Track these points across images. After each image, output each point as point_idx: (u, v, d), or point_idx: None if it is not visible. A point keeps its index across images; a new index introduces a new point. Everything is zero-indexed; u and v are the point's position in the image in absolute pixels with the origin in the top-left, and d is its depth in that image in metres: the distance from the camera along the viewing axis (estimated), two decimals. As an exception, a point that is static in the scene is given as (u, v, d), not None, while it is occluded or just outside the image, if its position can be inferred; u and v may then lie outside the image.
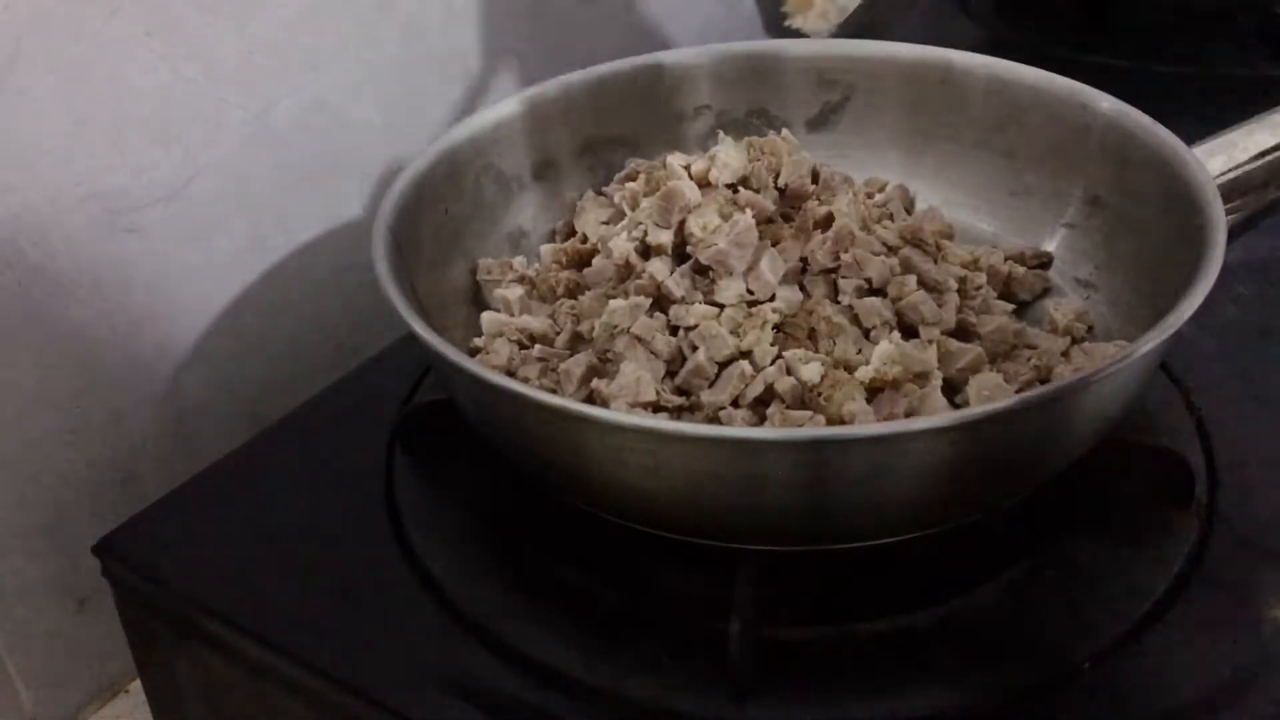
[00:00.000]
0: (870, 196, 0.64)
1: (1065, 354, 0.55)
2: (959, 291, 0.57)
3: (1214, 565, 0.51)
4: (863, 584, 0.52)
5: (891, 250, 0.58)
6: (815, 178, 0.64)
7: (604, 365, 0.55)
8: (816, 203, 0.61)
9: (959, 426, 0.44)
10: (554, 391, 0.54)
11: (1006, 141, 0.65)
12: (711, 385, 0.53)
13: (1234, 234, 0.51)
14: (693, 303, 0.55)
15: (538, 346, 0.57)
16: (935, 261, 0.58)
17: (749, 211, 0.57)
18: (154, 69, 0.61)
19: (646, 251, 0.58)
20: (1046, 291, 0.62)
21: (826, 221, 0.60)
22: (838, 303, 0.56)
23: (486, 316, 0.59)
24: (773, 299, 0.56)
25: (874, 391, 0.51)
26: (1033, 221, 0.64)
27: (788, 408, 0.51)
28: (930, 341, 0.54)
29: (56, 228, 0.59)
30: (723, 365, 0.53)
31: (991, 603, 0.50)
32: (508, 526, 0.56)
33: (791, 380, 0.52)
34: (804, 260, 0.58)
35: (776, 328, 0.54)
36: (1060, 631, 0.48)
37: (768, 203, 0.60)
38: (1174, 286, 0.49)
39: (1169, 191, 0.55)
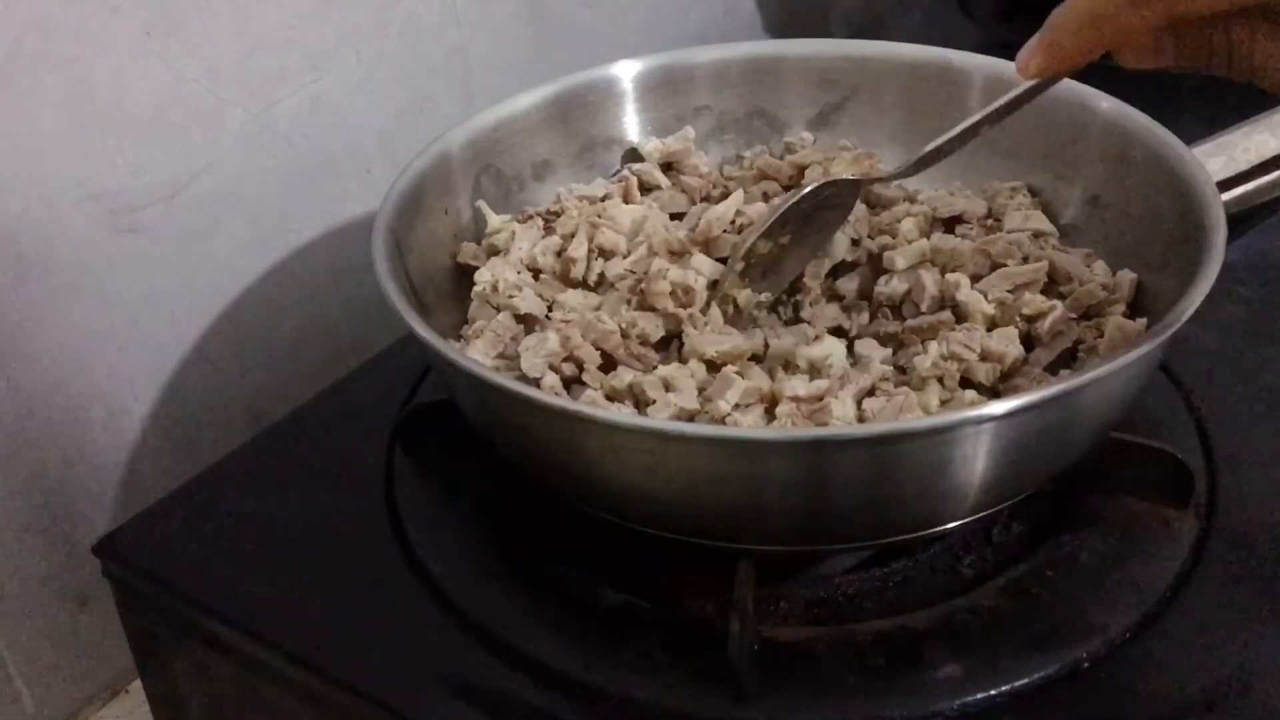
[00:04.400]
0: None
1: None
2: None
3: (1214, 565, 0.51)
4: (863, 584, 0.52)
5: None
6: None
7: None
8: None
9: (958, 427, 0.44)
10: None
11: (1006, 141, 0.64)
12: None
13: (1234, 234, 0.51)
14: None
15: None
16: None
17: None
18: (154, 69, 0.61)
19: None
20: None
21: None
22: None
23: (474, 303, 0.60)
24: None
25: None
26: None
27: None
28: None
29: (57, 227, 0.59)
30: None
31: (991, 603, 0.50)
32: (508, 526, 0.56)
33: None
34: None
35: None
36: (1060, 631, 0.48)
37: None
38: (1174, 286, 0.49)
39: (1169, 191, 0.55)
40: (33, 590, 0.63)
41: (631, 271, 0.59)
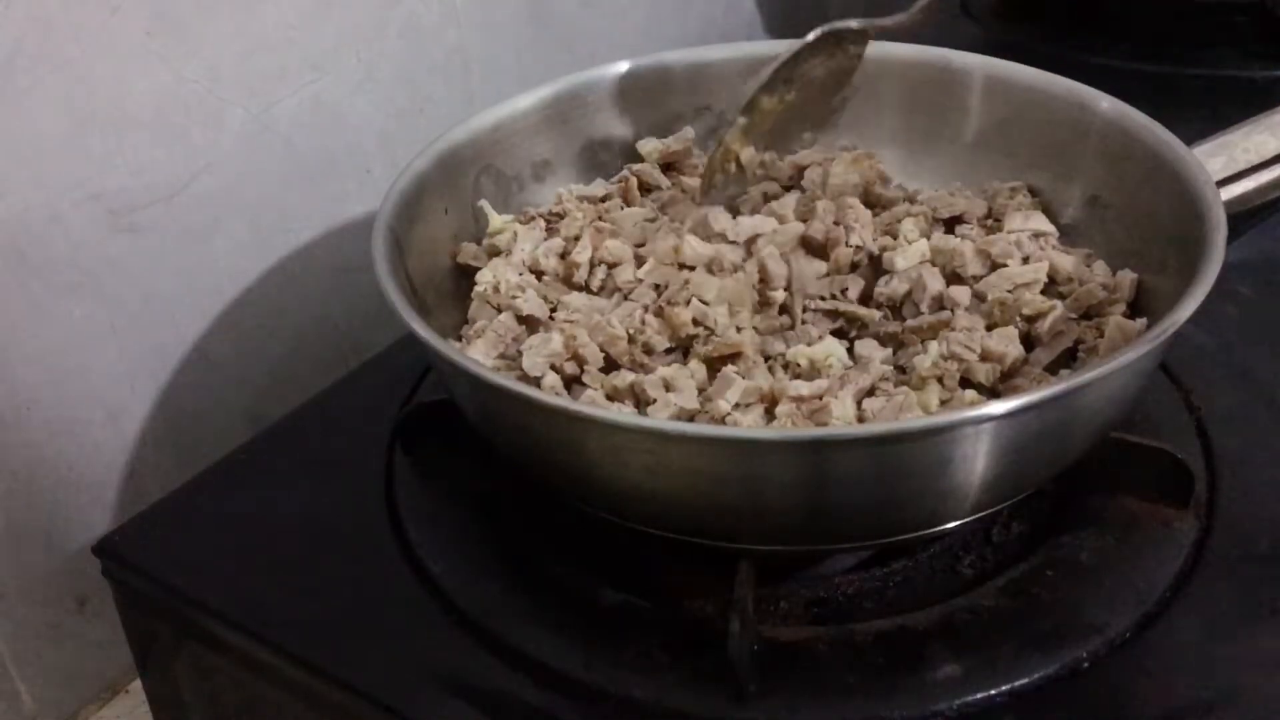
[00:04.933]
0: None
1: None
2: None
3: (1214, 565, 0.51)
4: (863, 584, 0.52)
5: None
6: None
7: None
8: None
9: (958, 427, 0.44)
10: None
11: (1006, 141, 0.65)
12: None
13: (1234, 234, 0.51)
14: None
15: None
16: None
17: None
18: (154, 69, 0.61)
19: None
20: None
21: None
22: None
23: (475, 303, 0.60)
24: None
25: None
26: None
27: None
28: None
29: (57, 228, 0.59)
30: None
31: (991, 603, 0.50)
32: (508, 526, 0.56)
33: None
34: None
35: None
36: (1060, 631, 0.48)
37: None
38: (1174, 286, 0.49)
39: (1169, 192, 0.55)
40: (33, 590, 0.63)
41: (639, 280, 0.58)
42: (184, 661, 0.55)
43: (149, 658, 0.58)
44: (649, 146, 0.68)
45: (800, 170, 0.66)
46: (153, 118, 0.61)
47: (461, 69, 0.77)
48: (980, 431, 0.44)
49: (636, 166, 0.67)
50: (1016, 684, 0.46)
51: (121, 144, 0.60)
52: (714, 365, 0.54)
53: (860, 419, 0.50)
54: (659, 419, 0.50)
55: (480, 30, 0.78)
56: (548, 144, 0.67)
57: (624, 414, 0.50)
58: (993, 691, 0.46)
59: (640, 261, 0.60)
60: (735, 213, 0.63)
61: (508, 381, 0.48)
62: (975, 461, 0.45)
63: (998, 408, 0.43)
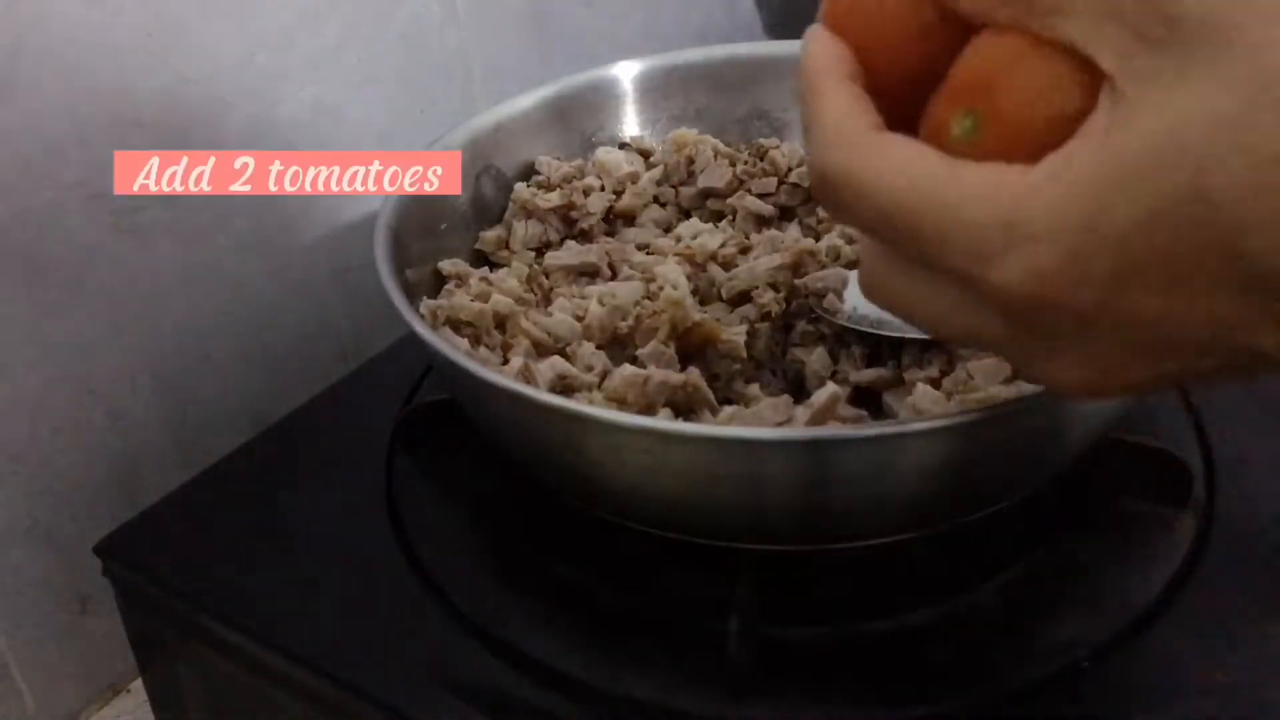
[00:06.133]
0: None
1: None
2: None
3: (1212, 565, 0.51)
4: (863, 584, 0.52)
5: None
6: None
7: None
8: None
9: (957, 427, 0.44)
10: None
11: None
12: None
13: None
14: None
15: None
16: None
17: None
18: (156, 70, 0.61)
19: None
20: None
21: None
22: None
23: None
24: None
25: None
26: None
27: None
28: None
29: (58, 228, 0.59)
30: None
31: (991, 603, 0.50)
32: (508, 527, 0.56)
33: None
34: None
35: None
36: (1060, 631, 0.48)
37: None
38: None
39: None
40: (34, 590, 0.63)
41: (648, 300, 0.57)
42: (185, 661, 0.56)
43: (150, 657, 0.58)
44: (524, 195, 0.65)
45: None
46: (154, 118, 0.61)
47: (462, 69, 0.78)
48: (979, 431, 0.44)
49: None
50: (1016, 684, 0.46)
51: (124, 145, 0.60)
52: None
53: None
54: (659, 419, 0.50)
55: (481, 31, 0.78)
56: (548, 144, 0.67)
57: (624, 414, 0.50)
58: (993, 691, 0.46)
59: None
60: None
61: (508, 381, 0.48)
62: (974, 462, 0.45)
63: (997, 408, 0.43)
